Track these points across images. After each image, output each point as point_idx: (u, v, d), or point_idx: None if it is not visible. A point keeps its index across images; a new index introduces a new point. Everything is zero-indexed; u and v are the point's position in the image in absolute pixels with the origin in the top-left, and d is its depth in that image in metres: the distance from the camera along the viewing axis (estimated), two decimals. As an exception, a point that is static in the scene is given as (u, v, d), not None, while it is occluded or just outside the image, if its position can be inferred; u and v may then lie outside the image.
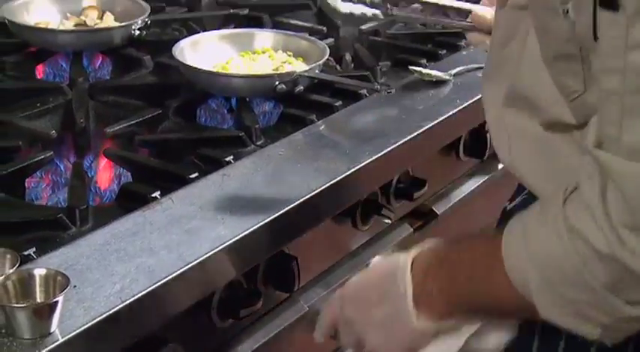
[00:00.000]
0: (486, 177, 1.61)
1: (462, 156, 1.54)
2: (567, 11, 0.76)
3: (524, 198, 1.00)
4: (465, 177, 1.58)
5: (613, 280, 0.73)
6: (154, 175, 1.17)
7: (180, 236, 1.00)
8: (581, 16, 0.73)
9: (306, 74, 1.37)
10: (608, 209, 0.72)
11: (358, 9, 1.41)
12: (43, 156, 1.19)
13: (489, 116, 0.98)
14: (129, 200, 1.10)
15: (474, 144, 1.54)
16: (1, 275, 0.87)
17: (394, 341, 0.93)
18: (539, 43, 0.86)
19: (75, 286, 0.89)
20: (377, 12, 1.40)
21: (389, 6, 1.38)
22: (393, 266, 0.93)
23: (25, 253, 0.95)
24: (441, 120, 1.35)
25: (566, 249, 0.75)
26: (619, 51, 0.68)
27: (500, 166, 1.58)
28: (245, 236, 1.02)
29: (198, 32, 1.58)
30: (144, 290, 0.91)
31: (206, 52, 1.46)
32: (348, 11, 1.41)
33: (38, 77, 1.49)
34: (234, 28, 1.63)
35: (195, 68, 1.38)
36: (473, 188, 1.58)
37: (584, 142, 0.77)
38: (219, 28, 1.61)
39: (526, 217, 0.82)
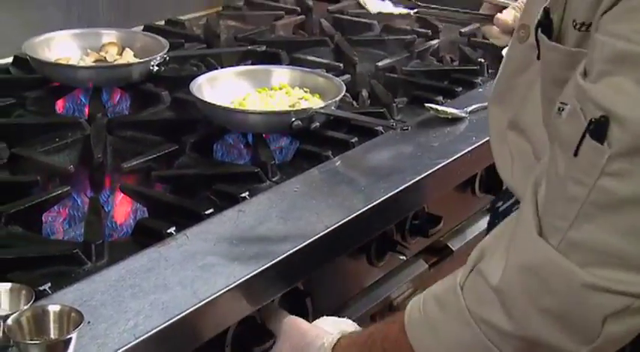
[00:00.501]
0: (502, 214, 1.61)
1: (478, 193, 1.54)
2: (562, 110, 0.79)
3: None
4: (481, 214, 1.58)
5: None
6: (170, 211, 1.17)
7: (194, 272, 1.01)
8: (571, 127, 0.76)
9: (322, 111, 1.38)
10: (525, 294, 0.77)
11: (386, 7, 1.45)
12: (60, 191, 1.20)
13: (493, 137, 1.03)
14: (144, 235, 1.11)
15: (489, 180, 1.53)
16: (16, 312, 0.87)
17: None
18: (542, 101, 0.91)
19: (89, 322, 0.89)
20: (404, 10, 1.44)
21: (414, 1, 1.41)
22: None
23: (41, 288, 0.96)
24: (457, 158, 1.35)
25: (475, 334, 0.81)
26: (594, 172, 0.73)
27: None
28: (259, 272, 1.02)
29: (216, 68, 1.60)
30: (157, 327, 0.91)
31: (223, 88, 1.47)
32: (378, 10, 1.45)
33: (58, 112, 1.51)
34: (252, 64, 1.64)
35: (212, 104, 1.39)
36: (488, 224, 1.58)
37: (520, 224, 0.81)
38: (236, 65, 1.63)
39: (425, 306, 0.87)
